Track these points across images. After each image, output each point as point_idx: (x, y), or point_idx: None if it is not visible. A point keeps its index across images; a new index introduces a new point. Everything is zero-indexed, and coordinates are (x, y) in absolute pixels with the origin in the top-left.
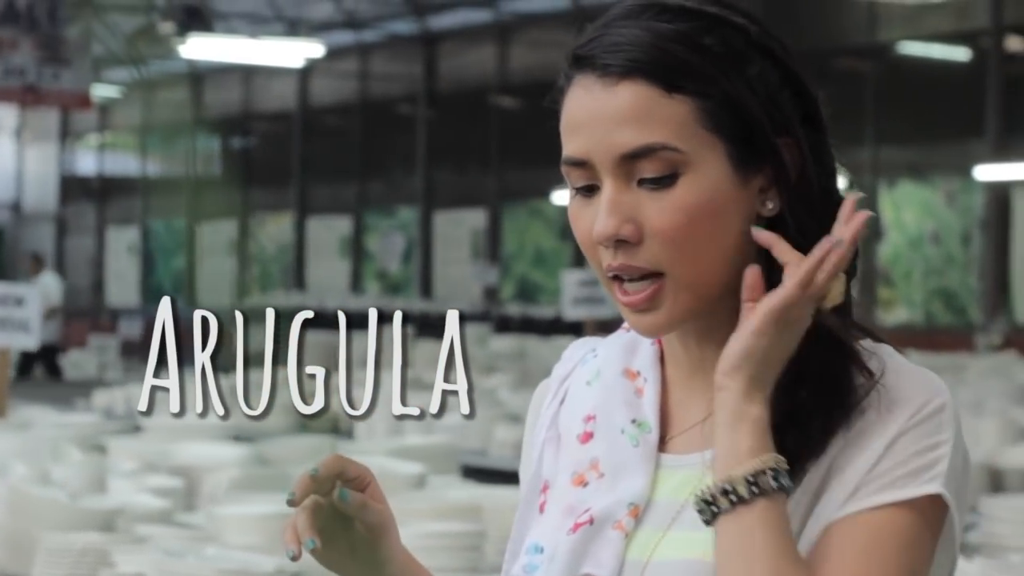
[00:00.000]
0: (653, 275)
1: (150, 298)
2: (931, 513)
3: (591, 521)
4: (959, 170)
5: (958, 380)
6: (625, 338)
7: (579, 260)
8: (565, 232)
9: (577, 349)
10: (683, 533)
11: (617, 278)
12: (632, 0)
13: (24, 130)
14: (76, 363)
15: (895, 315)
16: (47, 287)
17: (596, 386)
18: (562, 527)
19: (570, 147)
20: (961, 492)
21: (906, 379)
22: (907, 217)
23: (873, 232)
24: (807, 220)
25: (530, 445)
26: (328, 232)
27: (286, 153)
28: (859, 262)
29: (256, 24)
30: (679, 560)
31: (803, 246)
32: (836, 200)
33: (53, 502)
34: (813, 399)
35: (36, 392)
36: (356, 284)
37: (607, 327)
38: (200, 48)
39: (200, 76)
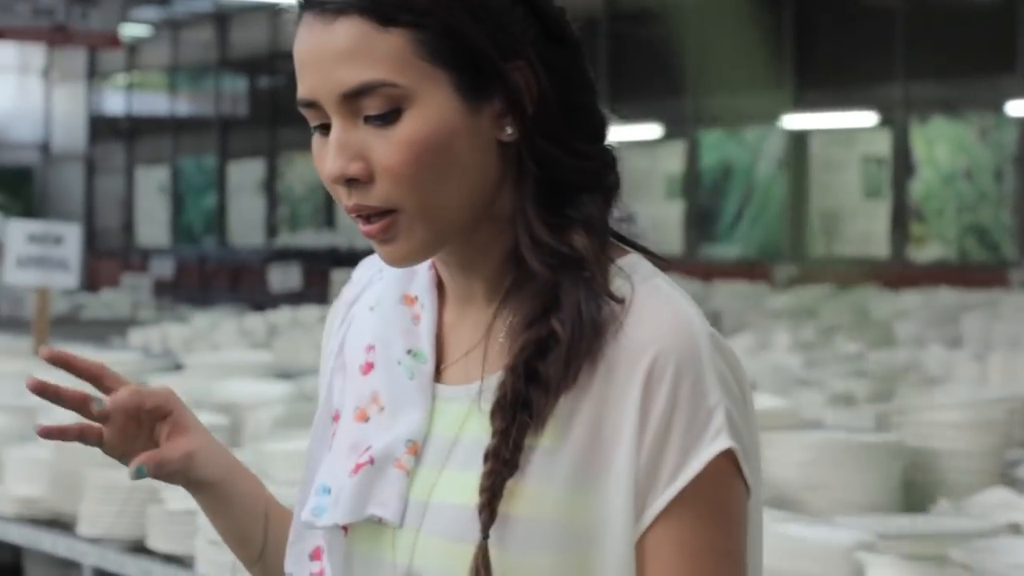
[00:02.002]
0: (389, 211)
1: (181, 238)
2: (726, 465)
3: (371, 461)
4: (992, 106)
5: (993, 315)
6: None
7: None
8: None
9: (366, 270)
10: (456, 473)
11: (358, 215)
12: None
13: (52, 70)
14: (108, 303)
15: (928, 252)
16: None
17: (377, 312)
18: (346, 467)
19: (300, 88)
20: (743, 426)
21: (648, 316)
22: (939, 153)
23: (905, 168)
24: (547, 145)
25: (322, 372)
26: None
27: None
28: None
29: None
30: (452, 504)
31: (544, 174)
32: (591, 117)
33: None
34: (561, 328)
35: (70, 331)
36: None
37: None
38: None
39: (227, 15)
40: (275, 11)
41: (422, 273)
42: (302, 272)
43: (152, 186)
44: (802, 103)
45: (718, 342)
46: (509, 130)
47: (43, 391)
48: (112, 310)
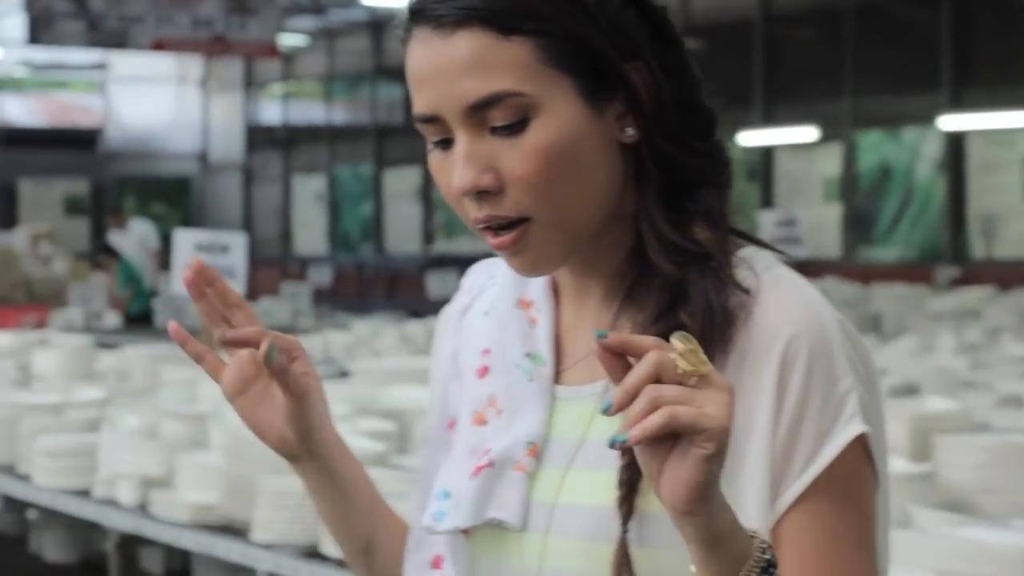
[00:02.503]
0: (521, 220)
1: (338, 246)
2: (859, 451)
3: (491, 463)
4: None
5: None
6: None
7: (768, 203)
8: (752, 174)
9: (476, 276)
10: (585, 473)
11: (488, 227)
12: None
13: (209, 80)
14: (267, 311)
15: None
16: (143, 235)
17: (492, 317)
18: (465, 470)
19: (418, 104)
20: (874, 410)
21: (775, 303)
22: None
23: None
24: (666, 143)
25: (434, 380)
26: None
27: None
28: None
29: None
30: (585, 505)
31: (664, 172)
32: (702, 114)
33: None
34: (691, 320)
35: None
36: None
37: None
38: None
39: (381, 23)
40: (378, 26)
41: (534, 279)
42: (459, 278)
43: (309, 194)
44: (960, 103)
45: (846, 328)
46: (630, 131)
47: (176, 334)
48: (271, 318)
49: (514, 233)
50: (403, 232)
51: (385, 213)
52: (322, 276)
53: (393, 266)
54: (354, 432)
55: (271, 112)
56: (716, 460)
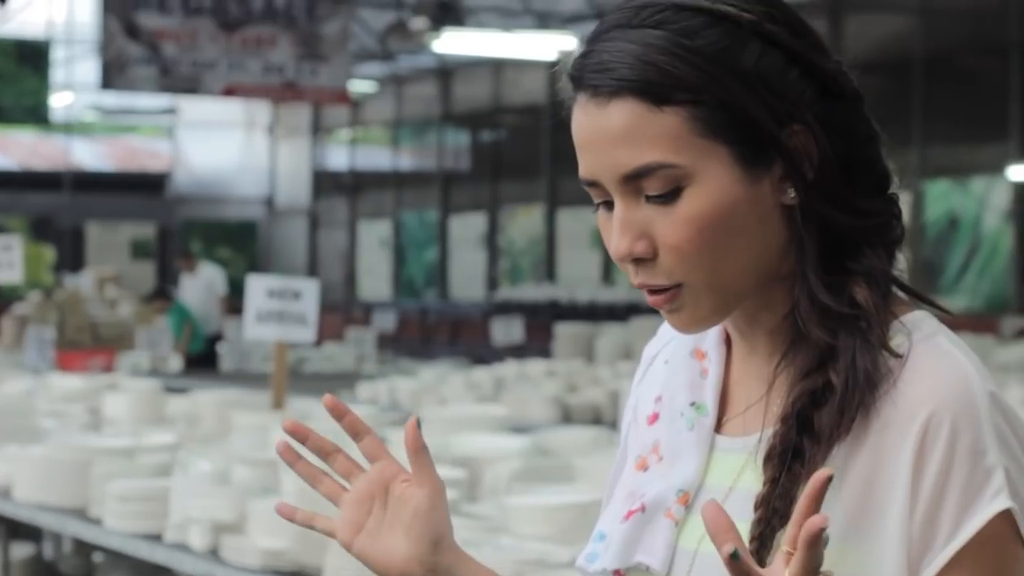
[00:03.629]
0: (674, 285)
1: (402, 291)
2: (1005, 527)
3: (643, 508)
4: None
5: None
6: None
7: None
8: None
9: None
10: None
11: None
12: (623, 4)
13: (277, 126)
14: (330, 356)
15: None
16: (212, 279)
17: (670, 365)
18: (620, 514)
19: (581, 168)
20: (1022, 486)
21: (924, 372)
22: None
23: None
24: (828, 208)
25: (622, 425)
26: (578, 224)
27: (536, 146)
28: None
29: (506, 18)
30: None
31: (825, 234)
32: (875, 170)
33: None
34: (836, 377)
35: (298, 385)
36: (607, 275)
37: None
38: (452, 43)
39: (450, 70)
40: (549, 67)
41: (713, 328)
42: (523, 325)
43: (374, 240)
44: None
45: (997, 400)
46: (792, 193)
47: (294, 431)
48: (334, 363)
49: (667, 295)
50: (467, 278)
51: (450, 259)
52: (386, 322)
53: (457, 312)
54: None
55: (338, 157)
56: None
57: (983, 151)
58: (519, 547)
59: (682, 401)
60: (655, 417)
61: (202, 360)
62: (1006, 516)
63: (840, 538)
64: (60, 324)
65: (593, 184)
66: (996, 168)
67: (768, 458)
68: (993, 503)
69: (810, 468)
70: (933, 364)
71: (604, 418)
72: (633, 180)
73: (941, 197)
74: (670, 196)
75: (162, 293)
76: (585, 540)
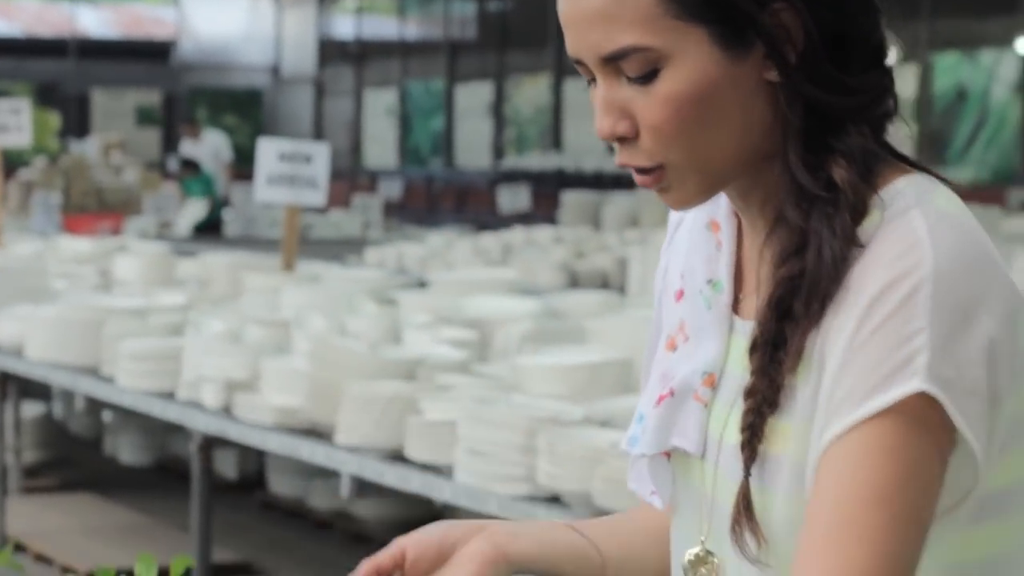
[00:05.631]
0: (657, 165)
1: (408, 160)
2: (920, 411)
3: (672, 393)
4: None
5: None
6: None
7: None
8: None
9: None
10: (739, 412)
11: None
12: None
13: None
14: (336, 223)
15: None
16: (217, 146)
17: (691, 236)
18: (654, 397)
19: (567, 46)
20: (970, 381)
21: (890, 242)
22: None
23: None
24: (812, 87)
25: (656, 287)
26: (585, 93)
27: (543, 14)
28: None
29: None
30: (730, 444)
31: (807, 113)
32: (869, 41)
33: (356, 352)
34: (808, 267)
35: (305, 250)
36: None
37: None
38: None
39: None
40: None
41: (724, 199)
42: (529, 194)
43: (380, 109)
44: None
45: (976, 269)
46: (775, 72)
47: None
48: (340, 230)
49: (653, 176)
50: (473, 147)
51: (456, 128)
52: (392, 189)
53: (463, 180)
54: (436, 340)
55: (344, 26)
56: None
57: (992, 23)
58: (533, 404)
59: (700, 278)
60: (680, 294)
61: (208, 228)
62: (925, 401)
63: (806, 419)
64: (66, 190)
65: (579, 63)
66: (1005, 41)
67: (753, 348)
68: (904, 385)
69: (792, 356)
70: (889, 245)
71: (612, 284)
72: (611, 62)
73: (949, 69)
74: (648, 78)
75: (187, 163)
76: (598, 399)
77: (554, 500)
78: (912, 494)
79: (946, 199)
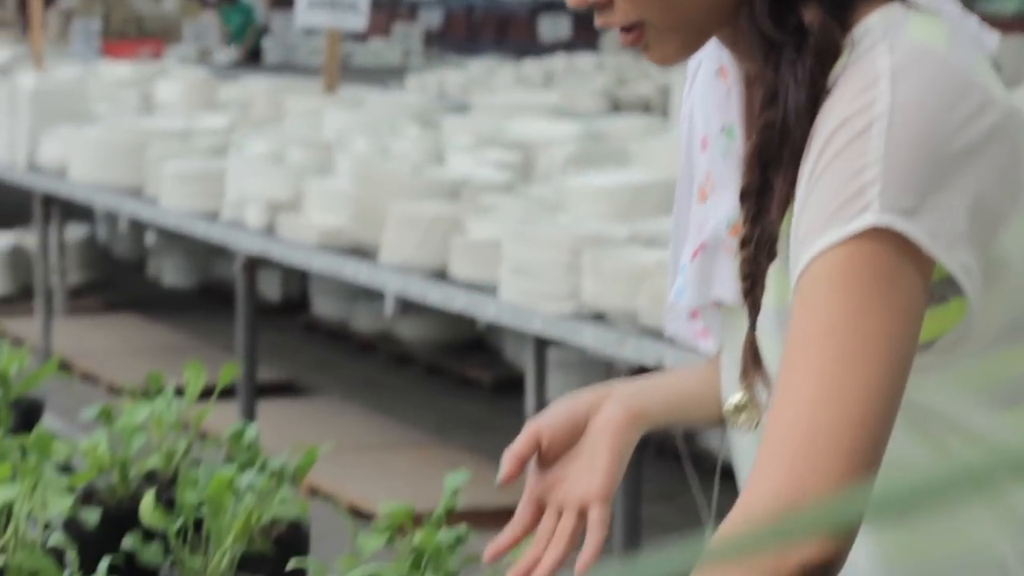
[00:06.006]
0: (635, 24)
1: None
2: (882, 247)
3: (703, 247)
4: None
5: None
6: None
7: None
8: None
9: None
10: None
11: None
12: None
13: None
14: (376, 51)
15: None
16: None
17: (706, 85)
18: (691, 249)
19: None
20: (945, 208)
21: (852, 81)
22: None
23: None
24: None
25: (682, 132)
26: None
27: None
28: None
29: None
30: (766, 307)
31: None
32: None
33: (399, 172)
34: (780, 116)
35: (346, 77)
36: None
37: None
38: None
39: None
40: None
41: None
42: (572, 23)
43: None
44: None
45: (949, 99)
46: None
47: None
48: (380, 58)
49: (633, 34)
50: None
51: None
52: (432, 18)
53: (503, 8)
54: (477, 162)
55: None
56: None
57: None
58: (578, 224)
59: (715, 126)
60: (705, 142)
61: (247, 55)
62: (883, 234)
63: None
64: (105, 17)
65: None
66: None
67: (743, 197)
68: (860, 218)
69: (778, 205)
70: (850, 84)
71: (653, 110)
72: None
73: None
74: None
75: None
76: (640, 220)
77: (599, 318)
78: (867, 326)
79: (920, 27)
